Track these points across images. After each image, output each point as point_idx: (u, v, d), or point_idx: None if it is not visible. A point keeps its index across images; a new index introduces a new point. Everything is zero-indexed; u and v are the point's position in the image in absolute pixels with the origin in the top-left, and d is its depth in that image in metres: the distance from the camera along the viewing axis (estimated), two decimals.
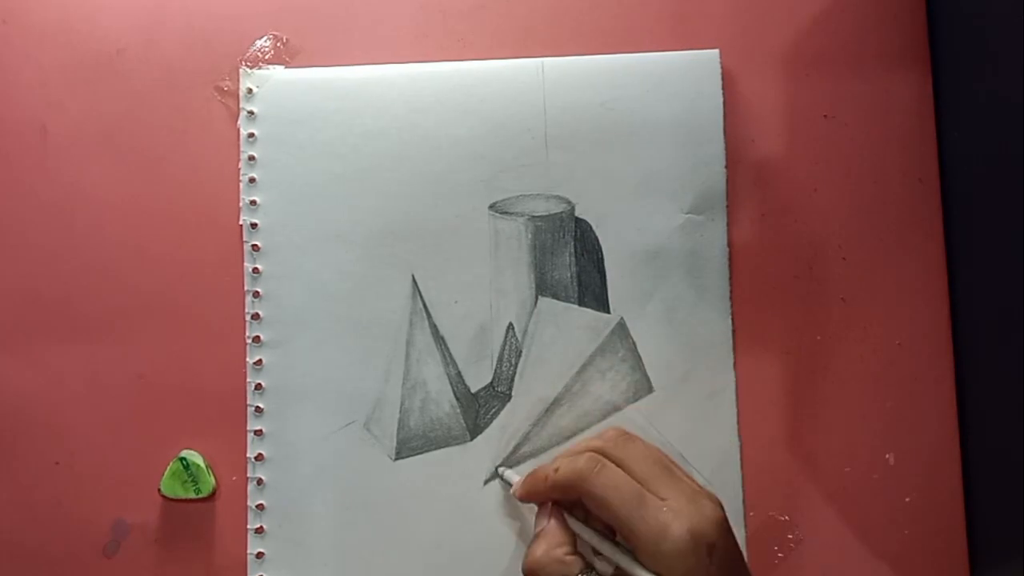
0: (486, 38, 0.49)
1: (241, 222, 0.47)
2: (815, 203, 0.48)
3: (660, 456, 0.39)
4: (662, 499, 0.36)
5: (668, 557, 0.35)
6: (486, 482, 0.46)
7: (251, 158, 0.47)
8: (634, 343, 0.47)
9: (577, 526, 0.39)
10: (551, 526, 0.39)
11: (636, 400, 0.46)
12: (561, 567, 0.38)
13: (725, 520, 0.37)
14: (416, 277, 0.47)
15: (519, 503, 0.44)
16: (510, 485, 0.43)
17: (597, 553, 0.38)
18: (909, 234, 0.48)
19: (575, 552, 0.38)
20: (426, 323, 0.46)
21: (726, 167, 0.47)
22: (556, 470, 0.39)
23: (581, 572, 0.37)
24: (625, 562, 0.37)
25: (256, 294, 0.47)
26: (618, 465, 0.38)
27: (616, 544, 0.38)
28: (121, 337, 0.47)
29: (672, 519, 0.36)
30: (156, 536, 0.46)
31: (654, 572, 0.35)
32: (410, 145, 0.47)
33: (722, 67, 0.48)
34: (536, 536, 0.39)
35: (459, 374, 0.47)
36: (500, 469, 0.45)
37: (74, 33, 0.48)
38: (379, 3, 0.49)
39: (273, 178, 0.47)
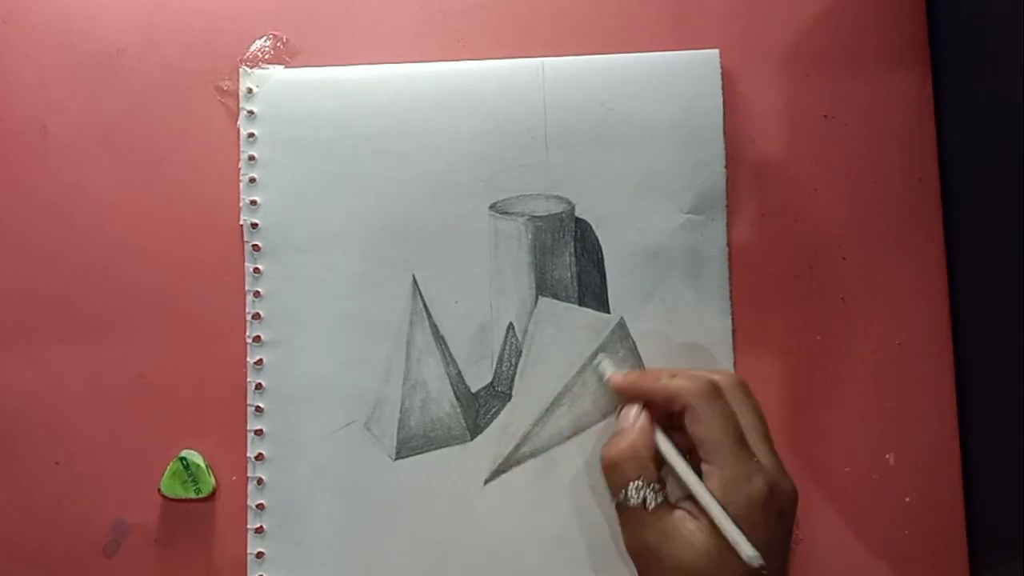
0: (486, 38, 0.49)
1: (241, 222, 0.47)
2: (815, 203, 0.48)
3: (764, 422, 0.40)
4: (755, 454, 0.38)
5: (741, 502, 0.37)
6: (486, 482, 0.46)
7: (251, 158, 0.47)
8: (634, 343, 0.47)
9: (664, 439, 0.40)
10: (642, 425, 0.41)
11: None
12: (640, 468, 0.39)
13: (797, 501, 0.39)
14: (416, 277, 0.47)
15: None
16: (603, 375, 0.45)
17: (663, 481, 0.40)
18: (909, 234, 0.48)
19: (655, 460, 0.40)
20: (426, 323, 0.46)
21: (726, 167, 0.47)
22: (673, 376, 0.41)
23: (655, 482, 0.39)
24: (701, 490, 0.38)
25: (256, 294, 0.47)
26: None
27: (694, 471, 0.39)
28: (121, 337, 0.47)
29: (760, 471, 0.38)
30: (156, 536, 0.46)
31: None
32: (410, 145, 0.47)
33: (722, 67, 0.48)
34: (620, 431, 0.41)
35: (459, 374, 0.47)
36: (599, 356, 0.46)
37: (74, 33, 0.48)
38: (379, 3, 0.49)
39: (273, 178, 0.47)
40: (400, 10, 0.49)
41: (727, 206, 0.47)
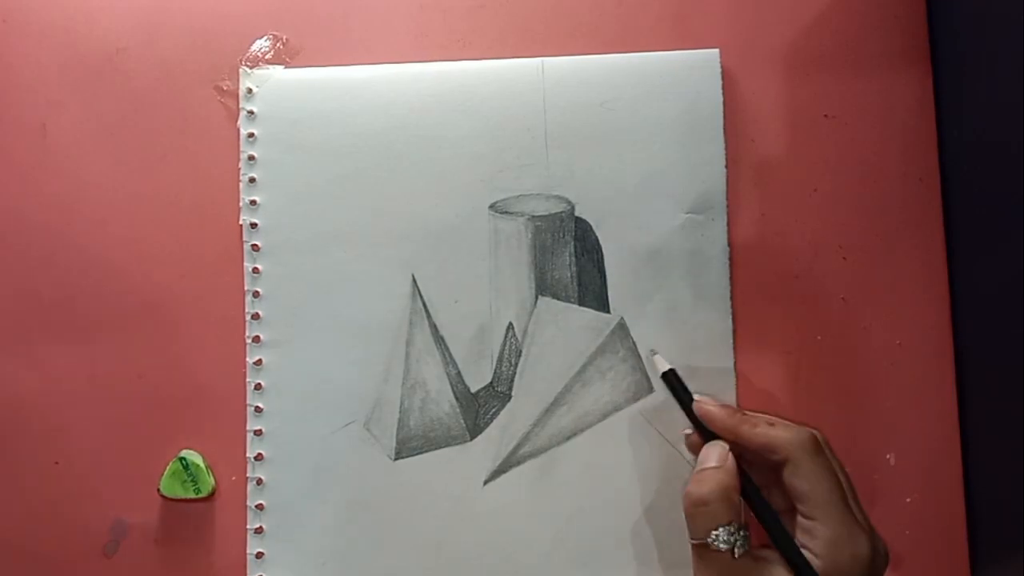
0: (486, 38, 0.49)
1: (241, 222, 0.47)
2: (815, 203, 0.48)
3: (850, 479, 0.39)
4: (855, 513, 0.37)
5: (846, 562, 0.36)
6: (486, 482, 0.46)
7: (251, 158, 0.47)
8: (634, 343, 0.47)
9: (754, 489, 0.39)
10: (730, 467, 0.39)
11: (636, 400, 0.46)
12: (731, 512, 0.37)
13: (888, 564, 0.38)
14: (416, 277, 0.47)
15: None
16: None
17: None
18: (909, 234, 0.48)
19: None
20: (426, 323, 0.46)
21: (726, 167, 0.47)
22: (771, 424, 0.39)
23: (743, 528, 0.37)
24: (788, 545, 0.37)
25: (256, 294, 0.47)
26: None
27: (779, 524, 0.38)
28: (121, 337, 0.47)
29: (863, 532, 0.37)
30: (156, 536, 0.46)
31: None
32: (410, 145, 0.47)
33: (722, 67, 0.48)
34: (707, 470, 0.39)
35: (459, 374, 0.47)
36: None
37: (74, 33, 0.48)
38: (379, 3, 0.49)
39: (273, 178, 0.47)
40: (400, 10, 0.49)
41: (727, 206, 0.47)
